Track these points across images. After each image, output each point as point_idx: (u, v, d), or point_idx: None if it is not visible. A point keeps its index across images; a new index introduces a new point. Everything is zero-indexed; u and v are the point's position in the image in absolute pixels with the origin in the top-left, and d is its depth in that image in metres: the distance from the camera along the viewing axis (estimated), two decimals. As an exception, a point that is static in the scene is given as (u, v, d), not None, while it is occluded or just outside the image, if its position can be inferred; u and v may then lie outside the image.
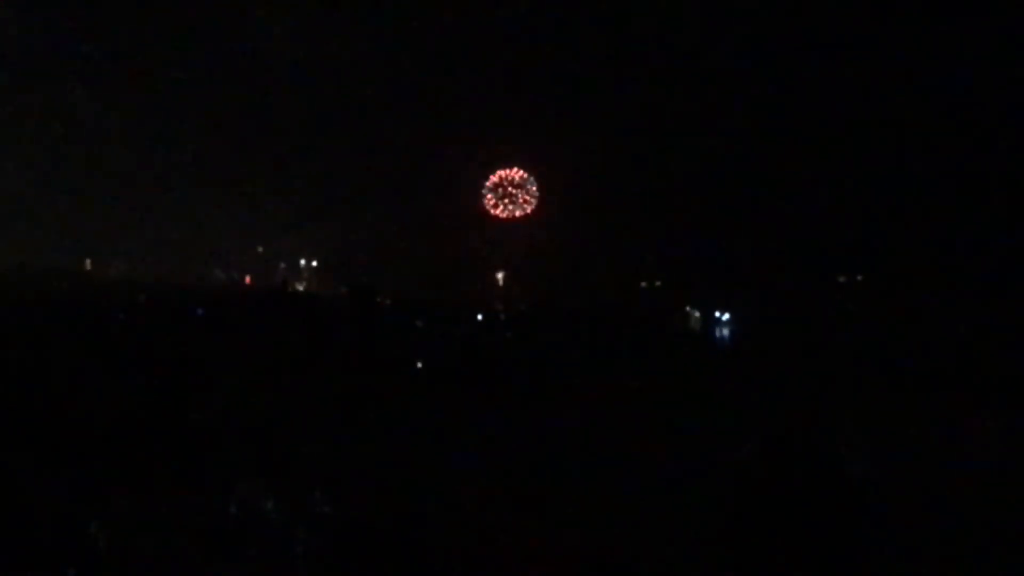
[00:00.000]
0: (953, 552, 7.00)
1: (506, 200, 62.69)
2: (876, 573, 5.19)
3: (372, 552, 5.72)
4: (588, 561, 5.87)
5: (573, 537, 6.26)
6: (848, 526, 4.76)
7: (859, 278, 45.73)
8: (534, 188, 62.03)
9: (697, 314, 42.13)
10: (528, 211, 62.12)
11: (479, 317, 36.40)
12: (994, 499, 8.58)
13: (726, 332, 39.15)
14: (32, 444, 8.10)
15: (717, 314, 41.08)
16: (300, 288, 66.30)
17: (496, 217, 64.04)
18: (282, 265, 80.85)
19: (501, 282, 63.05)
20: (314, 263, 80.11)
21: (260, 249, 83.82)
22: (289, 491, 6.10)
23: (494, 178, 62.28)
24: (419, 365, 17.39)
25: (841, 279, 46.11)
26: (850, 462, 5.12)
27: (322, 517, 6.00)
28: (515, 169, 61.92)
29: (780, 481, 4.93)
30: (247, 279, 74.24)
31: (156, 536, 6.19)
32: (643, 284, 55.09)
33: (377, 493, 7.26)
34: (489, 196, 62.49)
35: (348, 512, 6.17)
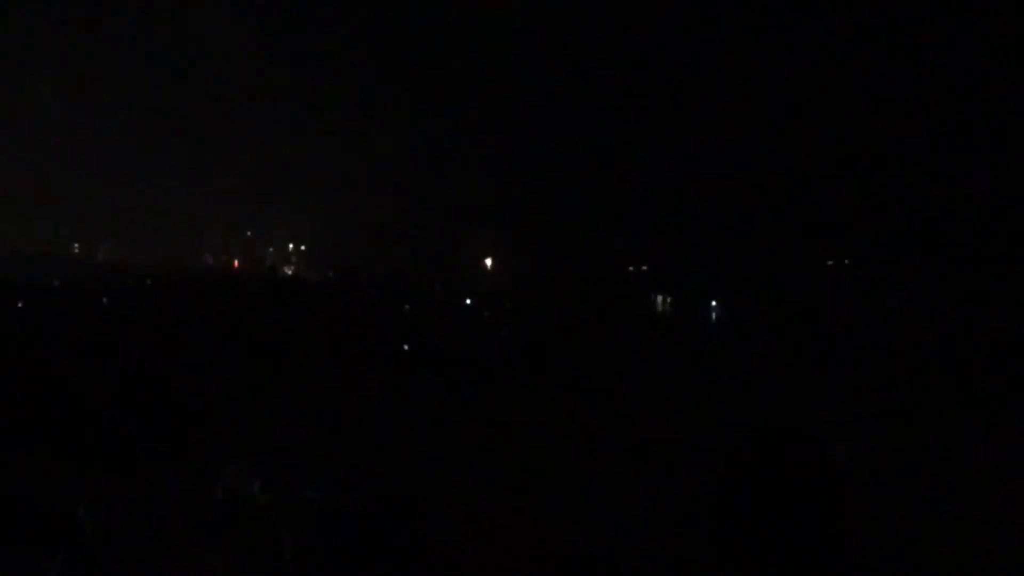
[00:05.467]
0: (942, 537, 7.05)
1: None
2: (863, 559, 5.24)
3: (360, 537, 5.72)
4: (577, 550, 5.89)
5: (562, 524, 6.28)
6: (831, 511, 4.78)
7: (846, 261, 45.90)
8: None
9: (669, 299, 42.28)
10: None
11: (467, 301, 36.46)
12: (986, 485, 8.64)
13: (713, 316, 39.26)
14: (18, 427, 8.09)
15: (703, 298, 41.20)
16: (288, 272, 66.28)
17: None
18: (270, 249, 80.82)
19: (490, 266, 63.14)
20: (302, 247, 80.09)
21: (249, 233, 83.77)
22: (276, 475, 6.11)
23: None
24: (406, 348, 17.40)
25: (829, 262, 46.29)
26: (835, 445, 5.14)
27: (310, 501, 6.00)
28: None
29: (765, 468, 4.95)
30: (235, 263, 74.15)
31: (144, 520, 6.20)
32: (630, 268, 55.25)
33: (365, 477, 7.27)
34: None
35: (336, 496, 6.17)
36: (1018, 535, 6.95)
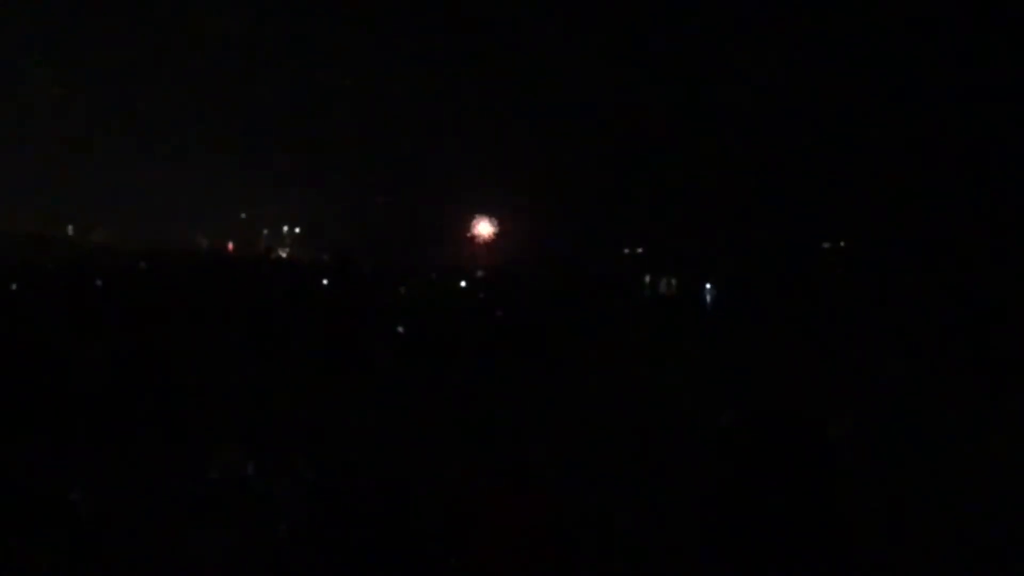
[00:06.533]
0: (936, 517, 7.07)
1: None
2: (858, 540, 5.24)
3: (356, 517, 5.73)
4: (573, 531, 5.89)
5: (559, 505, 6.27)
6: (828, 490, 4.77)
7: (842, 244, 45.85)
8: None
9: (674, 281, 42.21)
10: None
11: (462, 284, 36.41)
12: (981, 466, 8.65)
13: (708, 298, 39.24)
14: (11, 411, 8.07)
15: (699, 280, 41.17)
16: (283, 255, 66.15)
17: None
18: (265, 232, 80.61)
19: (484, 244, 63.21)
20: (297, 230, 79.89)
21: (243, 216, 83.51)
22: (271, 457, 6.10)
23: None
24: (400, 330, 17.38)
25: (825, 245, 46.25)
26: (833, 425, 5.14)
27: (304, 483, 5.99)
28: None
29: (762, 447, 4.94)
30: (229, 245, 73.96)
31: (138, 503, 6.19)
32: (625, 250, 55.20)
33: (360, 460, 7.27)
34: None
35: (331, 478, 6.17)
36: (1014, 516, 6.98)
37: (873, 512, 6.30)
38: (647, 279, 44.04)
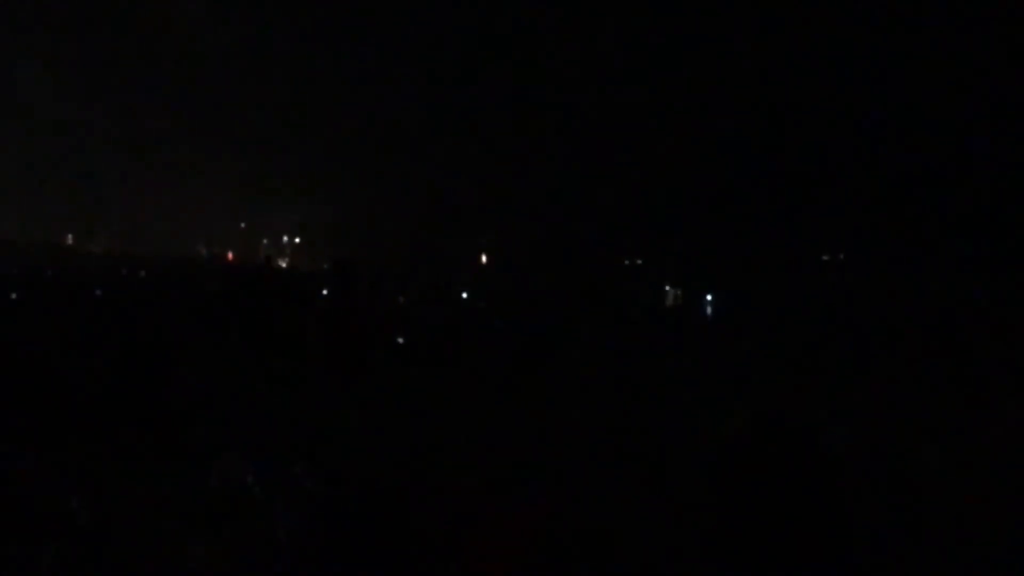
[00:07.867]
0: (937, 522, 7.05)
1: None
2: (859, 548, 5.22)
3: (355, 528, 5.71)
4: (570, 538, 5.88)
5: (557, 514, 6.26)
6: (827, 501, 4.74)
7: (841, 256, 45.89)
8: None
9: (679, 291, 42.27)
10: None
11: (463, 295, 36.43)
12: (982, 475, 8.62)
13: (709, 309, 39.25)
14: (9, 420, 8.05)
15: (699, 291, 41.18)
16: (283, 265, 66.20)
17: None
18: (265, 241, 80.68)
19: (485, 259, 63.23)
20: (297, 240, 79.97)
21: (243, 225, 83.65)
22: (271, 466, 6.09)
23: None
24: (400, 341, 17.38)
25: (824, 257, 46.30)
26: (830, 435, 5.11)
27: (304, 492, 5.99)
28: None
29: (760, 458, 4.91)
30: (229, 255, 74.04)
31: (137, 511, 6.17)
32: (625, 261, 55.22)
33: (360, 469, 7.26)
34: None
35: (330, 487, 6.16)
36: (1014, 525, 6.96)
37: (874, 519, 6.29)
38: (667, 290, 44.03)
